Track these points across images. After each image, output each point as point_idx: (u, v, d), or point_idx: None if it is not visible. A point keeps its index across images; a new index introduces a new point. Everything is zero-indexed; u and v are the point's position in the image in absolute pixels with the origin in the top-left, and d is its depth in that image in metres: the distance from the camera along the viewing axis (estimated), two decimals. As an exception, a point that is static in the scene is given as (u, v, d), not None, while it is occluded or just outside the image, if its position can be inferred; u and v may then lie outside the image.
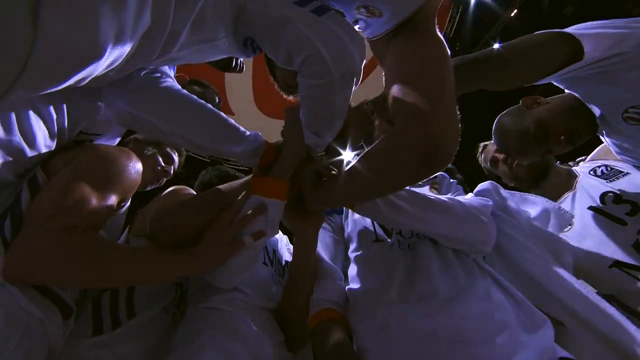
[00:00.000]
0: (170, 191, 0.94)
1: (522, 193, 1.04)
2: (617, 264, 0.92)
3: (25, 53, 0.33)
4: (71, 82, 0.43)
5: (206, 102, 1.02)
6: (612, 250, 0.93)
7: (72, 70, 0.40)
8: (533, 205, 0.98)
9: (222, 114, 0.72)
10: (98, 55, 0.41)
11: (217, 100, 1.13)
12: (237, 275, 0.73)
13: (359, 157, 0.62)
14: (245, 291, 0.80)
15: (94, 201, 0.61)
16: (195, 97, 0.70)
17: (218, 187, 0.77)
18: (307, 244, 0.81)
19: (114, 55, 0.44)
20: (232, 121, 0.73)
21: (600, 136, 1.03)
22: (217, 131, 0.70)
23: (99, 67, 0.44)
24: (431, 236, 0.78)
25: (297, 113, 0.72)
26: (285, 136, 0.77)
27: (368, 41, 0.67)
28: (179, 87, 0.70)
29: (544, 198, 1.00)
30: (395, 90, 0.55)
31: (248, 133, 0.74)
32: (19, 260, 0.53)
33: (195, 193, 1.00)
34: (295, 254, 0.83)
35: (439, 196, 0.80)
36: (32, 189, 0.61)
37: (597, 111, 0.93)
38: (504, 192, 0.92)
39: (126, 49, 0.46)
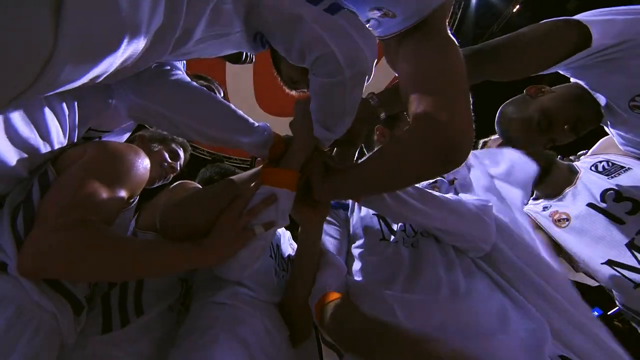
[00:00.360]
0: (177, 185, 0.95)
1: (491, 149, 1.04)
2: (609, 262, 0.92)
3: (49, 46, 0.34)
4: (88, 78, 0.43)
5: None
6: (606, 248, 0.93)
7: (90, 66, 0.41)
8: (502, 158, 0.97)
9: (232, 105, 0.72)
10: (114, 49, 0.42)
11: (221, 95, 1.13)
12: (246, 267, 0.73)
13: (375, 150, 0.63)
14: (251, 286, 0.80)
15: (104, 196, 0.62)
16: (204, 88, 0.70)
17: (227, 178, 0.77)
18: (312, 234, 0.81)
19: (130, 50, 0.45)
20: (241, 112, 0.73)
21: (605, 127, 1.03)
22: (227, 122, 0.71)
23: (114, 63, 0.45)
24: (433, 232, 0.79)
25: (307, 106, 0.73)
26: (295, 128, 0.78)
27: (378, 39, 0.68)
28: (189, 79, 0.70)
29: (511, 150, 1.00)
30: (412, 89, 0.55)
31: (257, 124, 0.74)
32: (32, 256, 0.54)
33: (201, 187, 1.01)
34: (299, 245, 0.84)
35: (442, 194, 0.81)
36: (43, 185, 0.62)
37: (602, 100, 0.93)
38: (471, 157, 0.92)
39: (141, 44, 0.47)
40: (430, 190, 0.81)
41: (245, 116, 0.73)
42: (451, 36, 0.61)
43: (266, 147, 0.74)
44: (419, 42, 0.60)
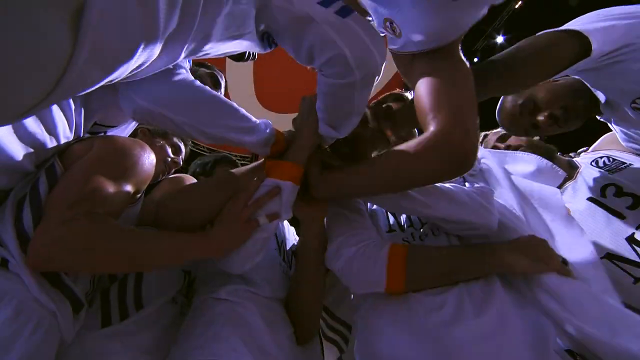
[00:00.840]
0: (172, 178, 0.96)
1: (515, 152, 1.05)
2: (609, 255, 0.92)
3: (67, 57, 0.34)
4: (101, 84, 0.43)
5: (216, 82, 1.02)
6: (605, 242, 0.93)
7: (105, 75, 0.41)
8: (526, 163, 0.99)
9: (235, 104, 0.72)
10: (129, 58, 0.42)
11: (223, 81, 1.14)
12: (248, 260, 0.73)
13: (381, 155, 0.66)
14: (257, 281, 0.80)
15: (111, 190, 0.62)
16: (207, 88, 0.70)
17: (225, 172, 0.78)
18: (313, 231, 0.81)
19: (143, 57, 0.45)
20: (244, 111, 0.73)
21: (609, 123, 1.03)
22: (231, 122, 0.71)
23: (128, 70, 0.45)
24: (437, 222, 0.79)
25: (313, 103, 0.74)
26: (300, 124, 0.78)
27: (391, 52, 0.69)
28: (192, 77, 0.70)
29: (537, 156, 1.01)
30: (429, 103, 0.60)
31: (259, 122, 0.75)
32: (41, 247, 0.54)
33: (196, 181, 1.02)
34: (301, 243, 0.84)
35: (442, 184, 0.81)
36: (50, 178, 0.63)
37: (602, 97, 0.93)
38: (489, 153, 0.94)
39: (156, 51, 0.47)
40: None
41: (247, 114, 0.74)
42: (462, 56, 0.65)
43: (268, 145, 0.74)
44: (433, 61, 0.63)
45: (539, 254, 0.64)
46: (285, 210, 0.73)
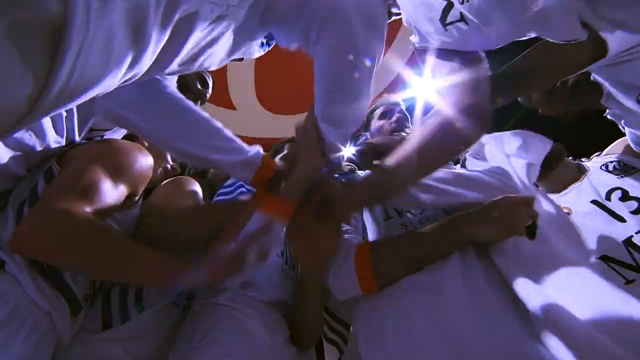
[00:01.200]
0: (173, 180, 0.96)
1: (504, 133, 1.08)
2: (604, 257, 0.90)
3: (41, 83, 0.32)
4: (81, 101, 0.42)
5: (203, 82, 1.03)
6: (601, 244, 0.92)
7: (81, 96, 0.39)
8: (517, 138, 0.99)
9: (219, 124, 0.69)
10: (111, 85, 0.41)
11: (210, 81, 1.12)
12: (236, 280, 0.73)
13: (413, 136, 0.68)
14: (254, 284, 0.79)
15: (106, 185, 0.62)
16: (188, 102, 0.66)
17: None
18: (315, 278, 0.74)
19: (129, 75, 0.44)
20: (228, 132, 0.69)
21: (619, 124, 1.02)
22: (209, 140, 0.66)
23: (111, 87, 0.43)
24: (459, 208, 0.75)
25: (310, 131, 0.68)
26: (301, 154, 0.72)
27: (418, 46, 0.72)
28: (172, 88, 0.67)
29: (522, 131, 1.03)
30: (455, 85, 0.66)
31: (246, 148, 0.70)
32: (26, 232, 0.53)
33: (197, 183, 1.01)
34: (301, 279, 0.80)
35: (459, 171, 0.83)
36: (48, 182, 0.62)
37: (606, 88, 0.92)
38: (489, 137, 0.96)
39: (143, 67, 0.45)
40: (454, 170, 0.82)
41: (235, 138, 0.70)
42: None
43: (251, 170, 0.69)
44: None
45: (505, 221, 0.63)
46: (275, 246, 0.70)
